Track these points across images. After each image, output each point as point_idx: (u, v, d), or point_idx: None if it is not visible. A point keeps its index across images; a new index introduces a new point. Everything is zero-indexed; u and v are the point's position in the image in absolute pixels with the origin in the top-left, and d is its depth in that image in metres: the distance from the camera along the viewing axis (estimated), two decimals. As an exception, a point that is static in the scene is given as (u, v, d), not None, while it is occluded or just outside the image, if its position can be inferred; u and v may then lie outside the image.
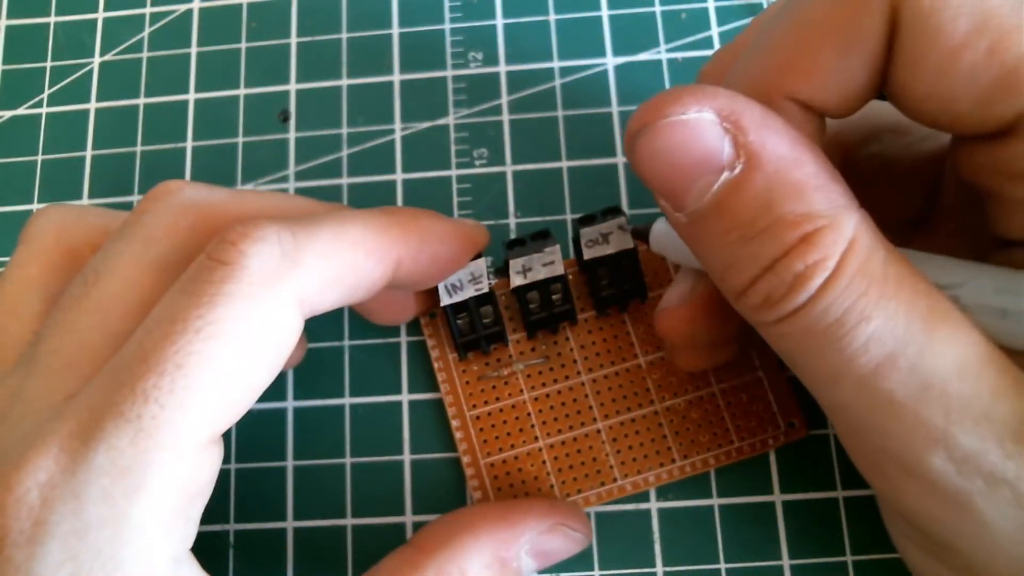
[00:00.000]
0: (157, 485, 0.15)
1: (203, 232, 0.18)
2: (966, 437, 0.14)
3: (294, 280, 0.16)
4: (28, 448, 0.15)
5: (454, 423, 0.23)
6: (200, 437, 0.15)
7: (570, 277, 0.24)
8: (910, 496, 0.15)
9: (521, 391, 0.23)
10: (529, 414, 0.23)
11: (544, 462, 0.23)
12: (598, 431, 0.23)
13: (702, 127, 0.15)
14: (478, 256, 0.22)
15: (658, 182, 0.16)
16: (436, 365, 0.24)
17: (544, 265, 0.22)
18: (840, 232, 0.14)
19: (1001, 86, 0.14)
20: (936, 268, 0.16)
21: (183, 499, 0.16)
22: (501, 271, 0.24)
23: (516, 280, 0.22)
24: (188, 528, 0.16)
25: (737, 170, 0.15)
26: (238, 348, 0.16)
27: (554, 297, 0.23)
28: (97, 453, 0.14)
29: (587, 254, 0.22)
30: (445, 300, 0.22)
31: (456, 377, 0.24)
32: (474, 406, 0.23)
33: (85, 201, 0.27)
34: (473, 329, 0.23)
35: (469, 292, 0.22)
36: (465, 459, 0.23)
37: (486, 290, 0.22)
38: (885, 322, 0.14)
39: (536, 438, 0.23)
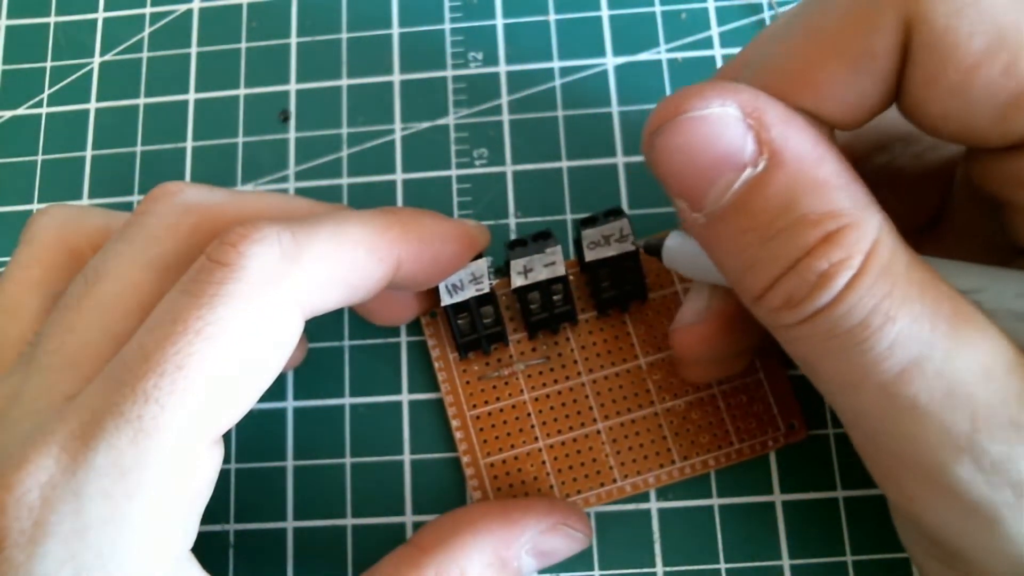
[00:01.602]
0: (158, 485, 0.15)
1: (204, 233, 0.18)
2: (993, 445, 0.14)
3: (294, 281, 0.16)
4: (29, 448, 0.15)
5: (454, 423, 0.23)
6: (201, 437, 0.15)
7: (571, 278, 0.24)
8: (930, 506, 0.15)
9: (521, 391, 0.23)
10: (529, 414, 0.23)
11: (544, 462, 0.23)
12: (598, 432, 0.23)
13: (725, 122, 0.15)
14: (479, 256, 0.22)
15: (677, 180, 0.16)
16: (437, 365, 0.24)
17: (545, 266, 0.22)
18: (864, 231, 0.14)
19: (1018, 103, 0.14)
20: (955, 273, 0.16)
21: (184, 500, 0.16)
22: (501, 271, 0.24)
23: (517, 280, 0.22)
24: (188, 528, 0.16)
25: (760, 167, 0.15)
26: (239, 349, 0.16)
27: (555, 298, 0.23)
28: (97, 453, 0.14)
29: (589, 256, 0.22)
30: (446, 300, 0.22)
31: (456, 377, 0.24)
32: (474, 406, 0.23)
33: (85, 201, 0.27)
34: (474, 329, 0.23)
35: (470, 292, 0.22)
36: (465, 459, 0.23)
37: (487, 290, 0.22)
38: (910, 325, 0.14)
39: (536, 438, 0.23)
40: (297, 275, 0.16)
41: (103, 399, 0.15)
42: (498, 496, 0.23)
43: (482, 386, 0.24)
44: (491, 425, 0.23)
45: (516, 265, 0.22)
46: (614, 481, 0.23)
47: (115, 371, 0.15)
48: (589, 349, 0.24)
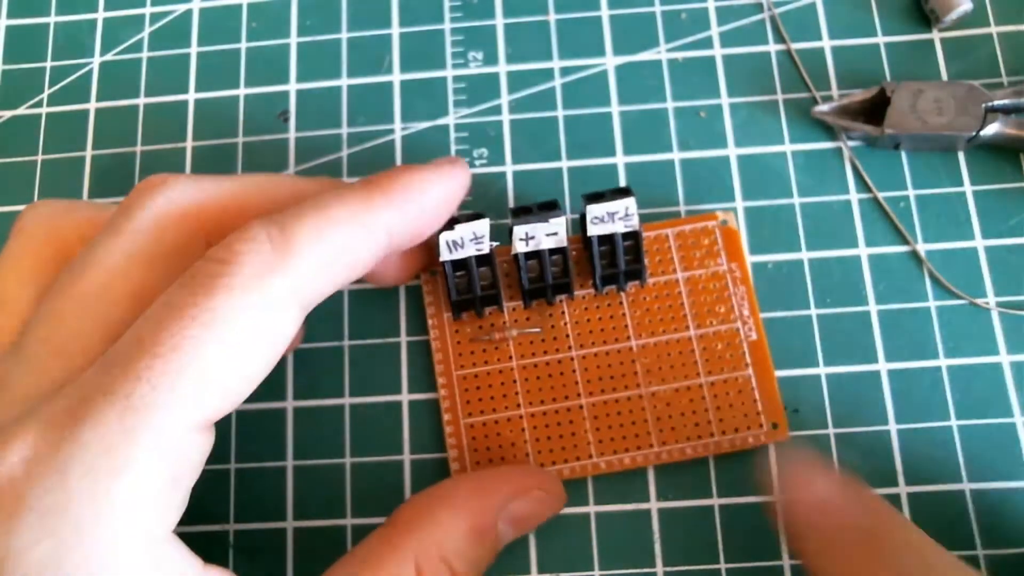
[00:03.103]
0: (142, 464, 0.15)
1: (191, 224, 0.19)
2: None
3: (288, 270, 0.17)
4: (17, 425, 0.15)
5: (440, 380, 0.24)
6: (190, 421, 0.15)
7: (573, 253, 0.24)
8: None
9: (510, 358, 0.24)
10: (515, 381, 0.23)
11: (523, 430, 0.23)
12: (580, 407, 0.23)
13: None
14: (480, 217, 0.22)
15: None
16: (431, 322, 0.24)
17: (548, 235, 0.22)
18: None
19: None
20: None
21: (168, 480, 0.16)
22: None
23: (518, 247, 0.22)
24: (172, 509, 0.16)
25: None
26: (234, 336, 0.16)
27: (553, 269, 0.23)
28: (84, 430, 0.14)
29: (591, 231, 0.22)
30: (445, 255, 0.22)
31: (448, 336, 0.24)
32: (462, 367, 0.24)
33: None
34: (470, 288, 0.23)
35: (470, 251, 0.22)
36: (446, 416, 0.23)
37: (486, 251, 0.22)
38: None
39: (519, 405, 0.23)
40: (290, 264, 0.17)
41: (96, 381, 0.15)
42: (473, 456, 0.23)
43: (472, 348, 0.24)
44: (476, 387, 0.24)
45: (519, 231, 0.22)
46: (589, 456, 0.23)
47: (109, 356, 0.16)
48: (582, 325, 0.24)
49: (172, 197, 0.19)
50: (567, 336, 0.24)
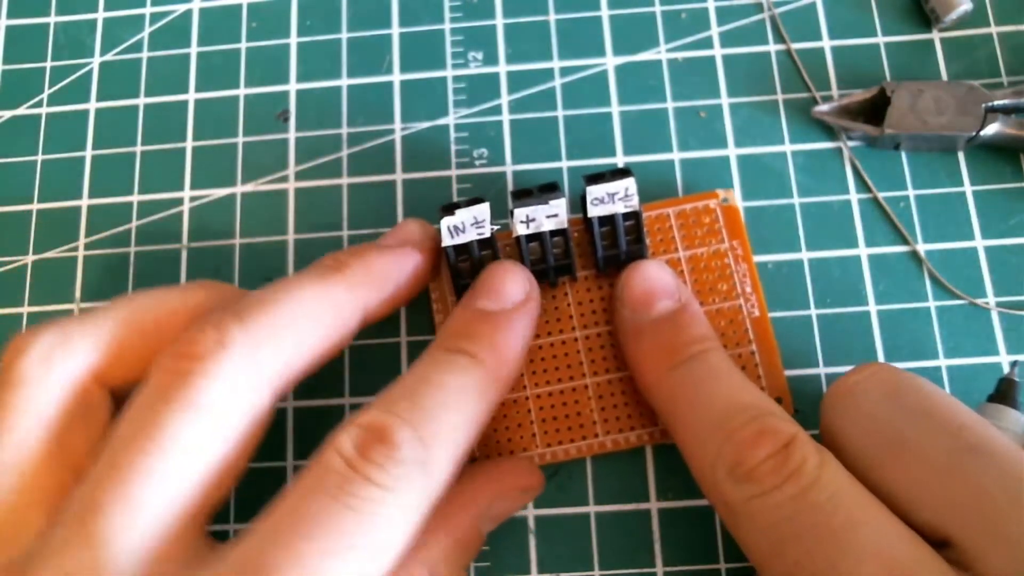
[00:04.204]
0: None
1: (90, 382, 0.19)
2: None
3: (263, 375, 0.19)
4: None
5: None
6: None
7: (575, 235, 0.24)
8: None
9: None
10: None
11: (529, 411, 0.23)
12: (586, 386, 0.23)
13: None
14: (480, 201, 0.22)
15: None
16: (435, 307, 0.24)
17: (548, 217, 0.22)
18: None
19: None
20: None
21: None
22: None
23: (519, 229, 0.22)
24: None
25: None
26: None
27: (555, 251, 0.23)
28: None
29: (592, 212, 0.22)
30: (447, 240, 0.22)
31: None
32: None
33: (84, 201, 0.27)
34: (473, 273, 0.23)
35: (471, 235, 0.22)
36: None
37: (487, 235, 0.22)
38: None
39: (524, 387, 0.23)
40: (265, 368, 0.19)
41: None
42: (480, 439, 0.23)
43: None
44: None
45: (519, 214, 0.22)
46: (596, 436, 0.23)
47: None
48: (585, 305, 0.24)
49: (67, 368, 0.19)
50: (571, 317, 0.24)
